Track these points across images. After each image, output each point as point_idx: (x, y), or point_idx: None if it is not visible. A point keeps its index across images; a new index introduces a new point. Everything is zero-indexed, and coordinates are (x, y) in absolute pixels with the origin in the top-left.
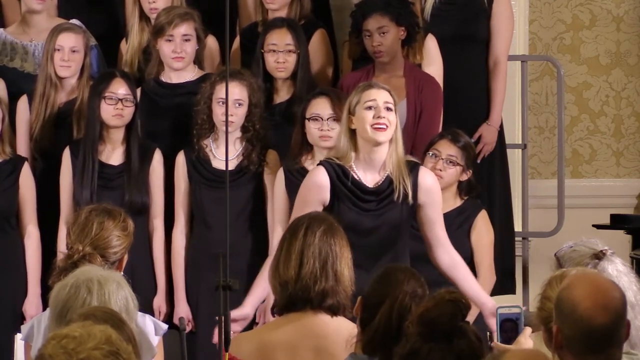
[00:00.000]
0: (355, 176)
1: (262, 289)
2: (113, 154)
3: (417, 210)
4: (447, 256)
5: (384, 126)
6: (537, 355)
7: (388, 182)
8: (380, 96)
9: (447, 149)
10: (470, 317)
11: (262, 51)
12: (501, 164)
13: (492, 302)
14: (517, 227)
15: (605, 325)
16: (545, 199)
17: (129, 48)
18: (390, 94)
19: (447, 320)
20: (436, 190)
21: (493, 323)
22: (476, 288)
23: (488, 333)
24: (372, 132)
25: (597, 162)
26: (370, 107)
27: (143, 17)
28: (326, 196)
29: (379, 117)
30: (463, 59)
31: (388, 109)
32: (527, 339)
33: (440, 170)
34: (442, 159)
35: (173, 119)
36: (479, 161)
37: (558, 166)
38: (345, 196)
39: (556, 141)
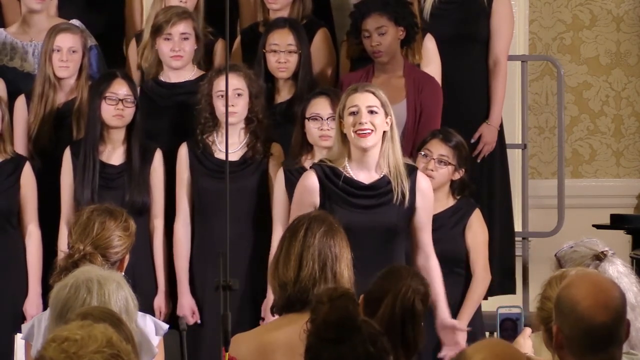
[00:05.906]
0: (349, 175)
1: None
2: (114, 154)
3: (412, 213)
4: (424, 261)
5: (367, 131)
6: (504, 346)
7: (385, 181)
8: (362, 100)
9: (438, 148)
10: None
11: (264, 51)
12: (501, 164)
13: (449, 319)
14: (517, 227)
15: (606, 325)
16: (545, 199)
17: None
18: (376, 96)
19: (349, 316)
20: (430, 195)
21: (444, 335)
22: (440, 297)
23: (487, 333)
24: (356, 139)
25: (597, 162)
26: (353, 113)
27: None
28: (316, 199)
29: (360, 122)
30: (463, 59)
31: (372, 112)
32: (526, 339)
33: (432, 170)
34: (434, 159)
35: (172, 118)
36: (478, 161)
37: (558, 166)
38: (337, 196)
39: (556, 141)
